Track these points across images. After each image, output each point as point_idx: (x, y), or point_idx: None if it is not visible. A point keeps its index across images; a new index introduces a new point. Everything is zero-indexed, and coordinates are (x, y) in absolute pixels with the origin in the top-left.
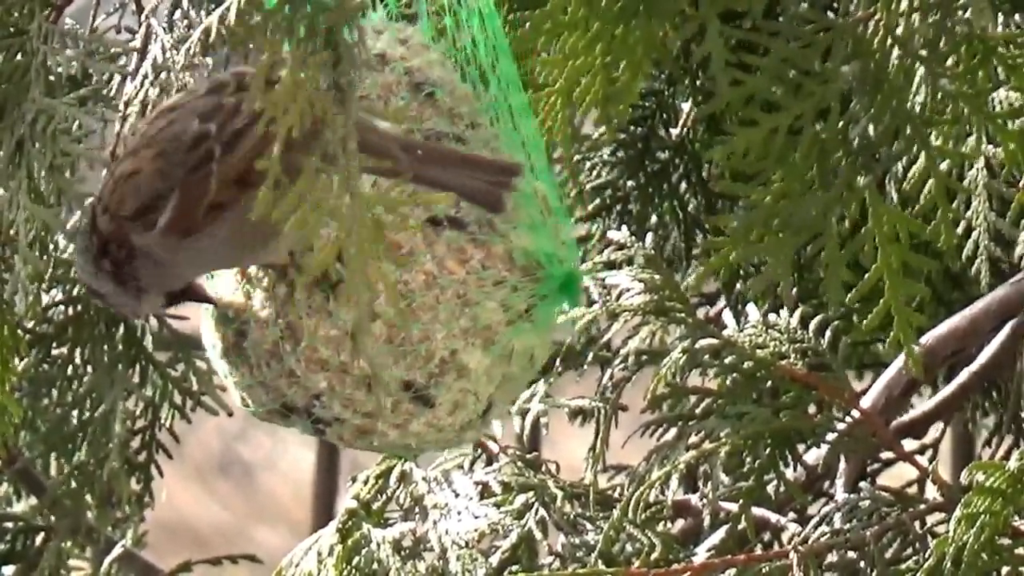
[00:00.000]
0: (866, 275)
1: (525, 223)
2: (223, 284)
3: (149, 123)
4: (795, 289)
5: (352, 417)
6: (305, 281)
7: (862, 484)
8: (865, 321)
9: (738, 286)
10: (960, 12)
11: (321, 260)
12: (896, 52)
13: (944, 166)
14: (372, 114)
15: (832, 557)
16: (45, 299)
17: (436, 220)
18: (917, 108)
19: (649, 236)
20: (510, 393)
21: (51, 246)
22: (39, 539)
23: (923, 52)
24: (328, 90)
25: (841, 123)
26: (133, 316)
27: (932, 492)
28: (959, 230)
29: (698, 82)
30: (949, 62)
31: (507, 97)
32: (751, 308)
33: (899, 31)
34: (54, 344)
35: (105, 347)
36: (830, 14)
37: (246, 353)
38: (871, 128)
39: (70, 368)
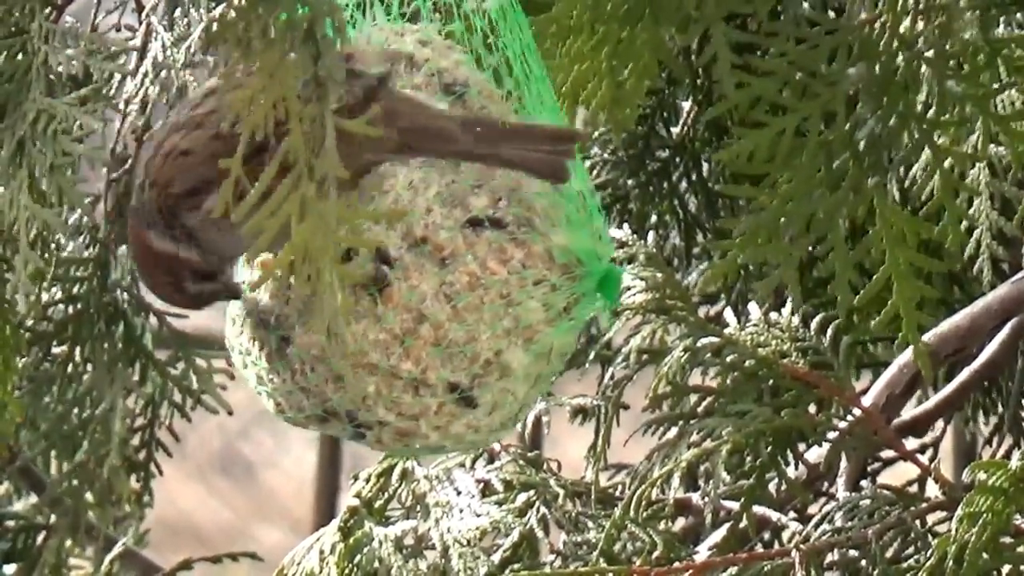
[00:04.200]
0: (873, 277)
1: (564, 221)
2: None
3: (204, 97)
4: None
5: (396, 420)
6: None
7: (863, 483)
8: (873, 323)
9: (739, 285)
10: (966, 14)
11: (277, 263)
12: (903, 54)
13: (947, 167)
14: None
15: (833, 556)
16: (45, 297)
17: (476, 220)
18: (923, 109)
19: (651, 235)
20: (540, 392)
21: (52, 245)
22: (40, 537)
23: (929, 54)
24: (305, 86)
25: (848, 125)
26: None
27: (933, 491)
28: (961, 229)
29: (699, 81)
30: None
31: (540, 96)
32: (752, 307)
33: (905, 33)
34: (54, 342)
35: (105, 345)
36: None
37: (289, 359)
38: (878, 130)
39: (70, 366)
